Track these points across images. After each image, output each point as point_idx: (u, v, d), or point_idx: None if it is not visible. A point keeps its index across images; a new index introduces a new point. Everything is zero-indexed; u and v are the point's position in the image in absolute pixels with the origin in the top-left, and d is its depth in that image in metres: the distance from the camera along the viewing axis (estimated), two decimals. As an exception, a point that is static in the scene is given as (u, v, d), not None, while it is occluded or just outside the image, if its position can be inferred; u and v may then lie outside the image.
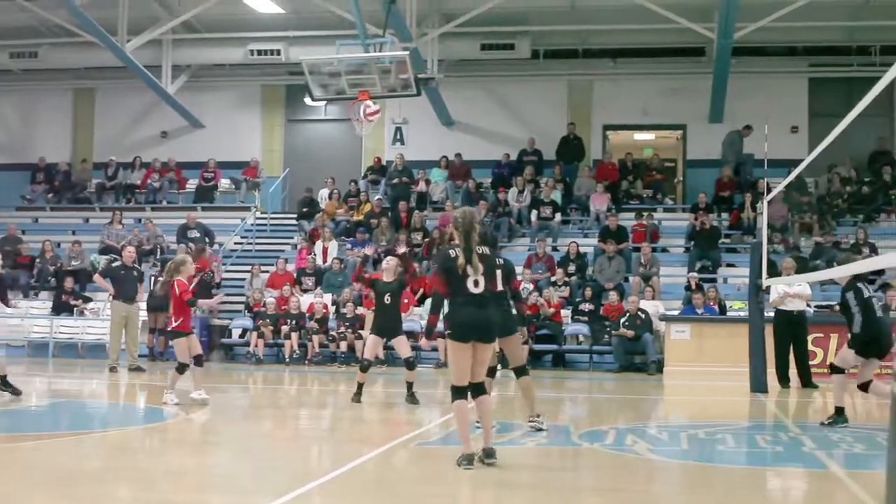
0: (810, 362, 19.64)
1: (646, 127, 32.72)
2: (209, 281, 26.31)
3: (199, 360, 15.04)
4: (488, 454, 9.27)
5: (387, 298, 15.47)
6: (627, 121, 32.09)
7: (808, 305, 20.49)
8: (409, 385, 15.48)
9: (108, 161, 32.96)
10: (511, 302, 11.73)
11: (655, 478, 9.52)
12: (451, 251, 9.32)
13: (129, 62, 28.95)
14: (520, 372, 12.05)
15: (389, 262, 16.02)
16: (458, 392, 9.30)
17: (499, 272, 10.44)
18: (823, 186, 28.86)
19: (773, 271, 19.97)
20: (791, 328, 19.25)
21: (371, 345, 15.73)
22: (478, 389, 9.35)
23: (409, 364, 15.55)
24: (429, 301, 25.04)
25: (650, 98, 31.14)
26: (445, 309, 9.51)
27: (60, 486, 8.67)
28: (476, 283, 9.19)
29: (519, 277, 18.91)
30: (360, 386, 15.49)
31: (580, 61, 31.53)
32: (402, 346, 15.78)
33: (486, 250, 9.35)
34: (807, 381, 19.09)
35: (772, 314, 19.35)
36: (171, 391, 14.71)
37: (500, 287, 10.47)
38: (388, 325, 15.61)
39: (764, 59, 30.30)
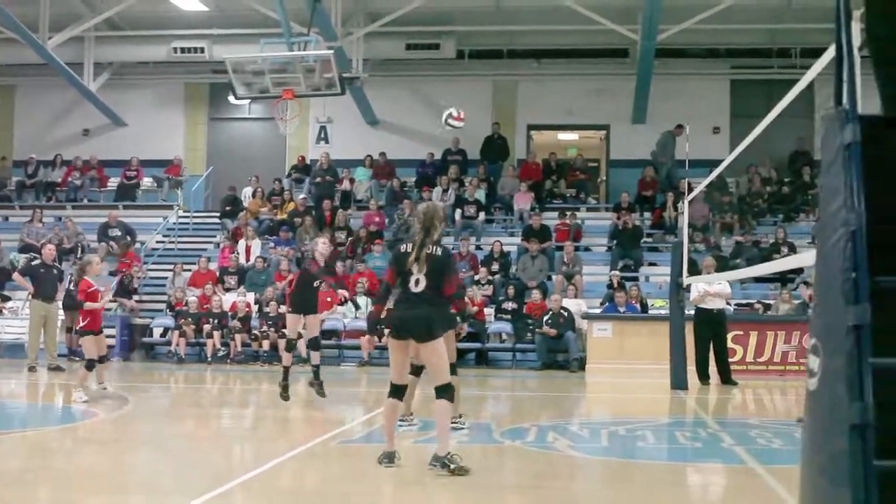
0: (730, 359, 19.85)
1: (570, 127, 32.91)
2: (128, 284, 26.12)
3: (103, 359, 15.38)
4: (443, 464, 8.96)
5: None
6: (551, 121, 32.24)
7: (728, 304, 20.72)
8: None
9: (28, 159, 32.51)
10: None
11: (577, 474, 9.57)
12: (404, 245, 9.26)
13: (51, 59, 28.59)
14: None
15: (325, 246, 15.93)
16: (393, 390, 9.26)
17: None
18: (744, 186, 29.18)
19: (694, 270, 20.17)
20: (711, 326, 19.43)
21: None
22: (437, 391, 9.20)
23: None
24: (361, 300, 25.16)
25: (574, 98, 31.32)
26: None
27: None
28: (417, 283, 9.11)
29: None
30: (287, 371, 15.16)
31: (505, 62, 31.60)
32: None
33: (438, 250, 9.21)
34: (726, 378, 19.29)
35: (692, 312, 19.53)
36: (79, 389, 14.68)
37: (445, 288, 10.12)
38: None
39: (687, 61, 30.56)
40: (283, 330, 23.73)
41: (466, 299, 24.14)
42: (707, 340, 19.40)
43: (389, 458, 9.14)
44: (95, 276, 15.29)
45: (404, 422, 11.67)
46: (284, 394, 14.79)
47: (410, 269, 9.01)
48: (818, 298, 5.80)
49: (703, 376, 19.34)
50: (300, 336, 15.77)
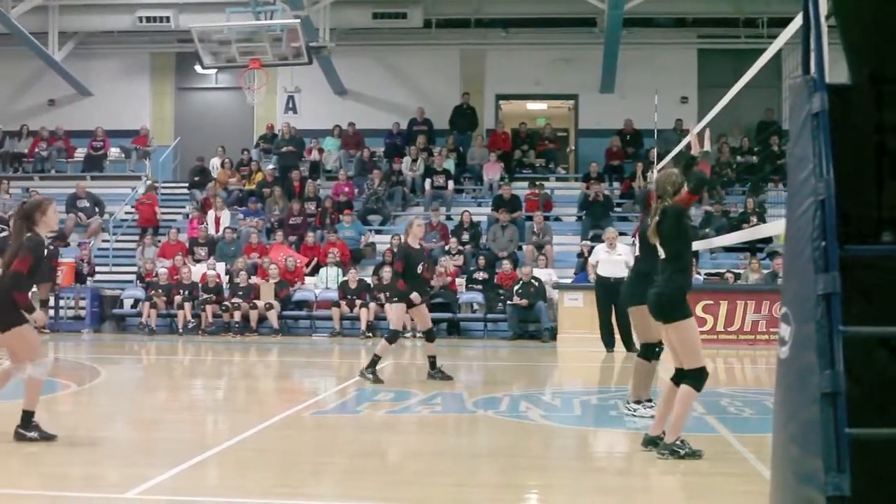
0: (700, 329, 19.95)
1: (538, 97, 32.87)
2: (81, 270, 25.92)
3: None
4: None
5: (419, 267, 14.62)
6: (520, 90, 32.18)
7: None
8: (433, 359, 14.69)
9: (-7, 130, 32.32)
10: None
11: (550, 443, 9.64)
12: None
13: (15, 29, 28.30)
14: None
15: (419, 228, 15.09)
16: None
17: None
18: (713, 156, 29.21)
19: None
20: (610, 295, 19.23)
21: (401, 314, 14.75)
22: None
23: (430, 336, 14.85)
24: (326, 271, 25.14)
25: (542, 68, 31.28)
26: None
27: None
28: None
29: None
30: (434, 359, 14.67)
31: (472, 31, 31.50)
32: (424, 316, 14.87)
33: None
34: (628, 345, 19.09)
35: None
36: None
37: None
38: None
39: (654, 31, 30.55)
40: (255, 300, 23.87)
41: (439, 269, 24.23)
42: (608, 308, 19.43)
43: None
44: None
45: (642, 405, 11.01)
46: (435, 376, 14.38)
47: None
48: (788, 267, 5.86)
49: (608, 343, 19.48)
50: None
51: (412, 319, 15.85)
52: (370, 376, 13.92)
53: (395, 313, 14.57)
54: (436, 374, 14.36)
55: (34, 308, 9.65)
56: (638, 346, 11.35)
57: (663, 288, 8.63)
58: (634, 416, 10.82)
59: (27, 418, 9.29)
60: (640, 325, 10.81)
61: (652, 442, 8.81)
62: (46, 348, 10.00)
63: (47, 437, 9.27)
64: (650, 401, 10.91)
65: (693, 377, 8.66)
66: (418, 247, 14.79)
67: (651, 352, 10.71)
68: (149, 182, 30.41)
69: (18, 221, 9.49)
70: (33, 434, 9.23)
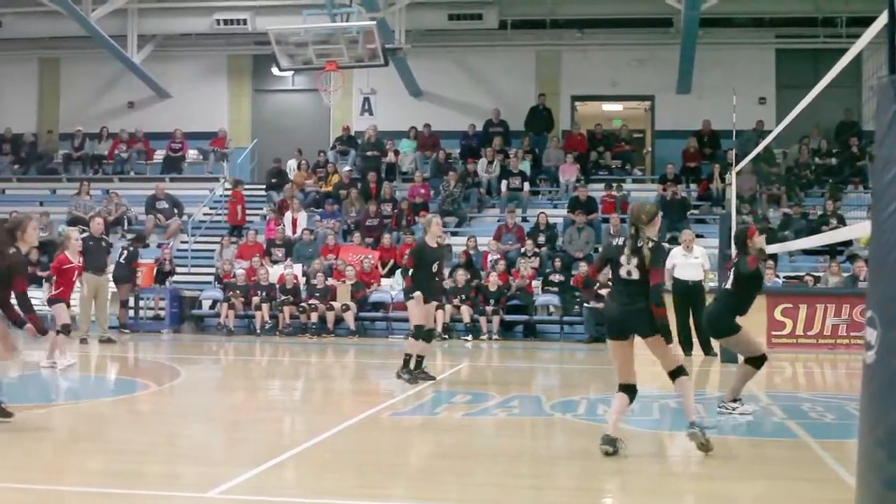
0: (779, 332, 19.77)
1: (614, 98, 32.70)
2: (163, 268, 26.17)
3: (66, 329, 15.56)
4: None
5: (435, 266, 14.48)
6: (596, 91, 32.06)
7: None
8: (421, 359, 14.43)
9: (74, 131, 32.67)
10: None
11: (628, 448, 9.58)
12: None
13: (95, 32, 28.67)
14: None
15: (438, 226, 14.83)
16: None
17: None
18: (792, 157, 28.94)
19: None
20: (687, 297, 19.07)
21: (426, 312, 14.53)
22: None
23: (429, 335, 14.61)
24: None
25: (618, 69, 31.13)
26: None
27: (32, 457, 8.66)
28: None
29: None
30: (421, 360, 14.43)
31: (548, 32, 31.44)
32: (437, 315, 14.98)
33: None
34: (706, 349, 18.96)
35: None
36: (63, 355, 15.03)
37: None
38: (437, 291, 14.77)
39: (731, 31, 30.29)
40: (333, 302, 23.99)
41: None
42: (685, 311, 19.21)
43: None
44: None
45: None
46: (417, 377, 14.21)
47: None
48: (873, 271, 5.77)
49: (686, 347, 19.19)
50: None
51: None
52: (405, 376, 13.99)
53: (412, 310, 14.46)
54: (419, 375, 14.20)
55: (46, 331, 10.39)
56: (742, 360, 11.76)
57: (642, 305, 9.08)
58: (733, 414, 11.16)
59: None
60: (741, 348, 11.51)
61: (610, 442, 8.96)
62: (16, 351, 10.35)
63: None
64: (738, 401, 11.37)
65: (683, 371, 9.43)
66: (435, 245, 14.61)
67: (762, 361, 11.27)
68: (227, 181, 30.59)
69: (3, 236, 10.14)
70: None
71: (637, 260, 9.02)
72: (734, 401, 11.35)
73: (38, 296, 25.67)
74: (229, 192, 29.59)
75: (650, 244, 9.05)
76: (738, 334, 11.13)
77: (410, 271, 14.28)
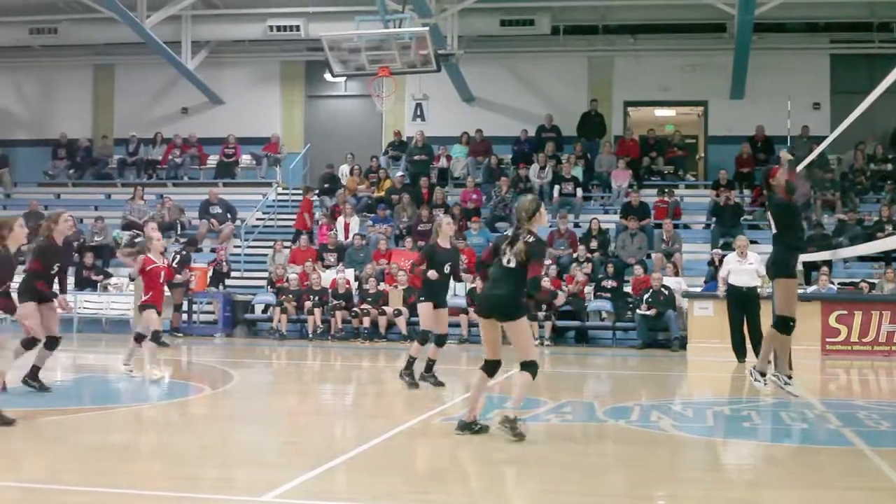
0: (834, 339, 19.61)
1: (667, 103, 32.61)
2: (220, 270, 26.32)
3: (156, 336, 15.03)
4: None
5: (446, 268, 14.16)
6: (648, 97, 31.97)
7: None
8: (432, 363, 14.36)
9: (128, 137, 33.00)
10: None
11: (680, 454, 9.53)
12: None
13: (149, 38, 28.88)
14: None
15: (449, 226, 14.56)
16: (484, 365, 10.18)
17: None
18: (847, 163, 28.72)
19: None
20: (742, 303, 18.96)
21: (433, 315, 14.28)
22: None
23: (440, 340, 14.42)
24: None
25: (671, 74, 31.01)
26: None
27: (88, 461, 8.73)
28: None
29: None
30: (432, 364, 14.32)
31: (600, 37, 31.37)
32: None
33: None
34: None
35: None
36: (157, 366, 14.73)
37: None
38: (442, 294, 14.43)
39: (785, 36, 30.11)
40: (385, 307, 24.06)
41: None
42: (739, 318, 19.06)
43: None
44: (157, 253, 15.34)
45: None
46: (432, 381, 14.25)
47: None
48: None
49: (739, 354, 19.02)
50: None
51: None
52: (406, 379, 14.05)
53: (422, 314, 14.40)
54: (428, 378, 14.24)
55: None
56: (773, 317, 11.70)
57: (514, 292, 9.87)
58: (757, 382, 11.50)
59: None
60: (781, 296, 11.39)
61: (467, 427, 9.95)
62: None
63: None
64: (790, 377, 11.53)
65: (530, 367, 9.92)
66: (448, 246, 14.31)
67: (786, 326, 11.25)
68: (296, 187, 30.77)
69: None
70: None
71: (515, 251, 9.80)
72: (763, 374, 11.57)
73: (92, 299, 26.31)
74: (299, 197, 29.86)
75: (530, 238, 9.80)
76: (790, 280, 11.29)
77: (422, 267, 14.11)
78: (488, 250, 10.41)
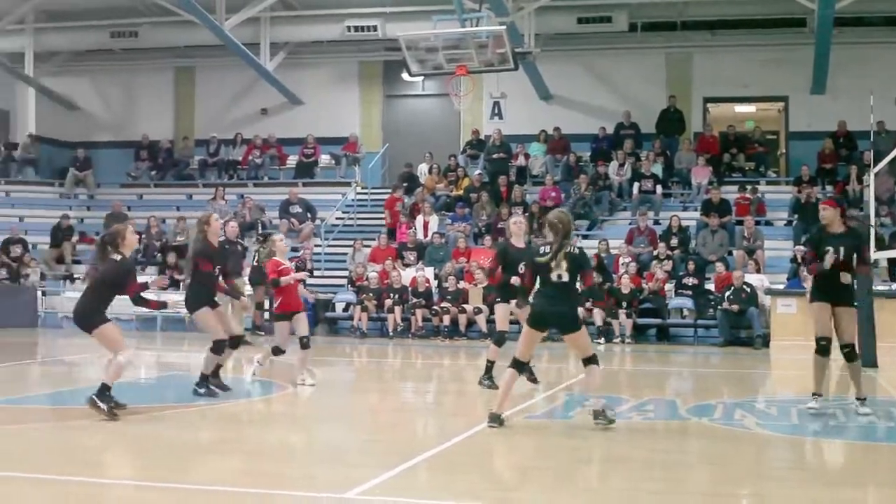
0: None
1: (747, 99, 32.27)
2: (302, 268, 26.46)
3: (305, 343, 14.28)
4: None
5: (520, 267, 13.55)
6: (728, 93, 31.68)
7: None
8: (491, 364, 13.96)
9: (209, 138, 33.33)
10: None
11: (764, 452, 9.44)
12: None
13: (228, 40, 29.14)
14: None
15: (517, 226, 14.31)
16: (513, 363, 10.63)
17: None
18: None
19: (881, 245, 19.55)
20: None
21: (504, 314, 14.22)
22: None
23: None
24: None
25: (751, 70, 30.71)
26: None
27: (172, 457, 8.84)
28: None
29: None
30: (490, 366, 13.99)
31: (678, 33, 31.17)
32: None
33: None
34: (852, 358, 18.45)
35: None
36: (309, 374, 14.32)
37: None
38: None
39: (866, 30, 29.66)
40: (465, 305, 24.08)
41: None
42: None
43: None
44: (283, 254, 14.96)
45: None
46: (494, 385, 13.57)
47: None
48: None
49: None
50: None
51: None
52: (486, 383, 13.66)
53: (499, 314, 14.20)
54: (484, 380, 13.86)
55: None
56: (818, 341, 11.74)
57: (574, 304, 10.69)
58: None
59: (104, 390, 10.62)
60: (820, 319, 11.67)
61: (497, 419, 10.23)
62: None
63: (114, 414, 10.44)
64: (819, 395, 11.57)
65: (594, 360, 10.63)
66: (522, 246, 13.91)
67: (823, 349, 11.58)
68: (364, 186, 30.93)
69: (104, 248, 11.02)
70: (103, 406, 10.48)
71: (564, 265, 10.34)
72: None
73: (175, 298, 26.52)
74: (378, 197, 30.20)
75: (574, 250, 10.55)
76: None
77: (497, 270, 13.89)
78: (528, 275, 10.94)
